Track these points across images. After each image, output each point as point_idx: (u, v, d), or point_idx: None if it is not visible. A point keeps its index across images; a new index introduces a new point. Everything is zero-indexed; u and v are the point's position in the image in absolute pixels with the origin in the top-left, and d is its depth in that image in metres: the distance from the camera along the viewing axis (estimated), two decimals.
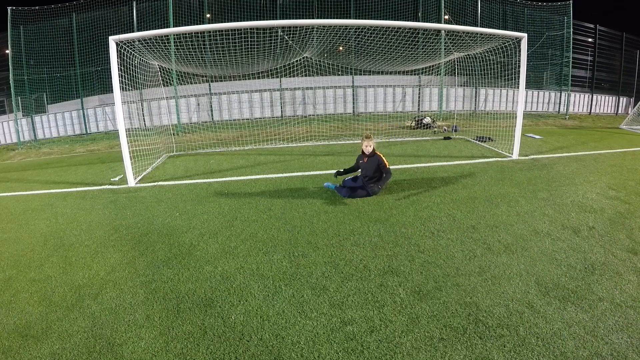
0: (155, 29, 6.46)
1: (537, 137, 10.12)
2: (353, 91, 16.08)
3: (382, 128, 12.17)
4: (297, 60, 10.91)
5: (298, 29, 7.89)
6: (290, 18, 14.34)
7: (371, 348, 2.16)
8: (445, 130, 11.31)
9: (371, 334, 2.28)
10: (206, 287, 2.87)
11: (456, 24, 13.42)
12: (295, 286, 2.84)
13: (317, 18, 14.49)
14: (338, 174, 5.35)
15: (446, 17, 15.14)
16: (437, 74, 14.53)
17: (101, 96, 15.14)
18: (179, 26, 9.45)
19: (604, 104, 18.84)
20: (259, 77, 13.36)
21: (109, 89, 9.92)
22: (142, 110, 14.41)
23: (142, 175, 6.72)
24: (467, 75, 11.40)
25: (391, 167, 5.04)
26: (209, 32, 11.20)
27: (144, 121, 14.44)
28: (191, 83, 14.58)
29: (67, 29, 14.22)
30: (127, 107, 8.44)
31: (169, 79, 12.06)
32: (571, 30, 16.10)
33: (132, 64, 7.23)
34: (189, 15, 14.22)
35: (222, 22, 13.17)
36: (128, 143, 6.21)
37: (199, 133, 12.46)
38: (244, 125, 13.22)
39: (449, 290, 2.70)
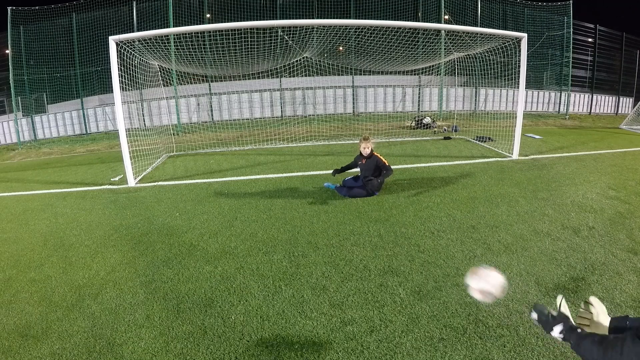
0: (155, 29, 6.46)
1: (537, 137, 10.12)
2: (353, 91, 16.08)
3: (382, 128, 12.17)
4: (297, 60, 10.91)
5: (298, 29, 7.89)
6: (290, 18, 14.34)
7: (371, 348, 2.16)
8: (445, 130, 11.31)
9: (371, 334, 2.28)
10: (206, 287, 2.87)
11: (456, 24, 13.42)
12: (295, 286, 2.84)
13: (317, 18, 14.49)
14: (336, 172, 5.32)
15: (446, 17, 15.14)
16: (437, 74, 14.52)
17: (101, 96, 15.14)
18: (179, 26, 9.46)
19: (604, 104, 18.84)
20: (259, 77, 13.36)
21: (109, 89, 9.92)
22: (142, 110, 14.41)
23: (142, 175, 6.72)
24: (467, 75, 11.40)
25: (391, 167, 5.03)
26: (209, 32, 11.22)
27: (144, 121, 14.44)
28: (191, 83, 14.60)
29: (67, 29, 14.22)
30: (127, 107, 8.45)
31: (169, 79, 12.07)
32: (571, 30, 16.10)
33: (132, 64, 7.23)
34: (189, 15, 14.23)
35: (222, 22, 13.17)
36: (128, 143, 6.20)
37: (199, 133, 12.46)
38: (244, 125, 13.22)
39: (449, 290, 2.70)
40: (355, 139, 10.08)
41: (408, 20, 14.29)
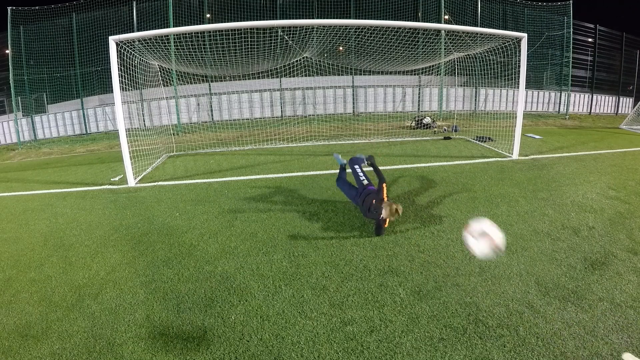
0: (155, 29, 6.45)
1: (537, 137, 10.12)
2: (353, 91, 16.08)
3: (382, 128, 12.17)
4: (297, 60, 10.90)
5: (298, 29, 7.88)
6: (290, 18, 14.34)
7: (371, 348, 2.16)
8: (445, 130, 11.31)
9: (371, 334, 2.28)
10: (206, 287, 2.87)
11: (456, 24, 13.42)
12: (295, 286, 2.84)
13: (317, 18, 14.49)
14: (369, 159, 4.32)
15: (446, 17, 15.14)
16: (437, 74, 14.52)
17: (101, 96, 15.13)
18: (179, 26, 9.43)
19: (604, 104, 18.84)
20: (259, 77, 13.35)
21: (109, 89, 9.92)
22: (142, 110, 14.41)
23: (142, 175, 6.72)
24: (467, 75, 11.38)
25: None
26: (209, 32, 11.21)
27: (144, 121, 14.44)
28: (191, 83, 14.54)
29: (67, 29, 14.21)
30: (127, 107, 8.45)
31: (169, 79, 12.06)
32: (571, 30, 16.09)
33: (132, 64, 7.23)
34: (189, 15, 14.22)
35: (222, 22, 13.16)
36: (128, 143, 6.20)
37: (199, 133, 12.45)
38: (244, 125, 13.21)
39: (449, 290, 2.70)
40: (355, 139, 10.08)
41: (408, 20, 14.30)
